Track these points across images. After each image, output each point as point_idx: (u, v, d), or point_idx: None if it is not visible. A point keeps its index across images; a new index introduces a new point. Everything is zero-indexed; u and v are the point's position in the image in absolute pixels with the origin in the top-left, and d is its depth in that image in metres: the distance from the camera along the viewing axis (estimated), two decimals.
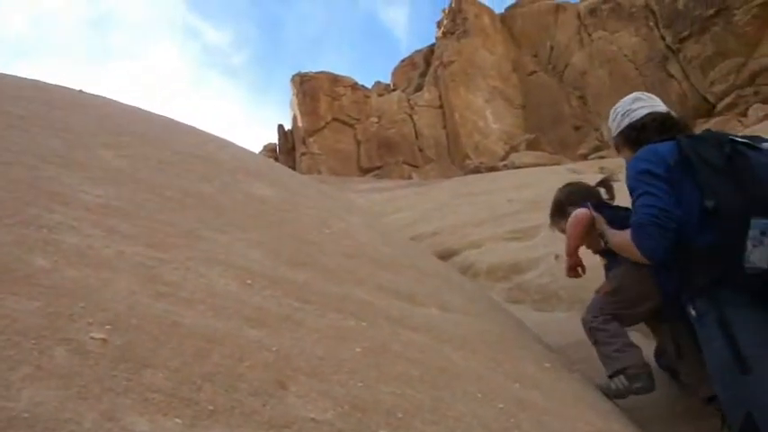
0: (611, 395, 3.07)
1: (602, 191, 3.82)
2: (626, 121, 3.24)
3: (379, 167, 41.34)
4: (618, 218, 3.29)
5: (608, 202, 3.76)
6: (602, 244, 3.31)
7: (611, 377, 3.10)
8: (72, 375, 1.22)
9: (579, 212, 3.52)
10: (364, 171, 41.20)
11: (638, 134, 3.15)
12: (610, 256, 3.49)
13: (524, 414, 2.10)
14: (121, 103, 4.95)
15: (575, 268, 3.61)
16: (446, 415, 1.76)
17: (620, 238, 3.02)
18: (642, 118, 3.17)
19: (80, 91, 4.84)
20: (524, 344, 3.12)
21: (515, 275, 5.85)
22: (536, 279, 4.88)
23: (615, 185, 3.60)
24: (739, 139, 2.71)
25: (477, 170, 25.51)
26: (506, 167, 24.17)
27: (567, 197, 3.89)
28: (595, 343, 3.22)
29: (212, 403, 1.30)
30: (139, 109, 5.03)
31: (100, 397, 1.18)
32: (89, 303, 1.48)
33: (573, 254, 3.58)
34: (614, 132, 3.35)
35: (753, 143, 2.69)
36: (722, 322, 2.57)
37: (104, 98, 4.81)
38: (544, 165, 21.81)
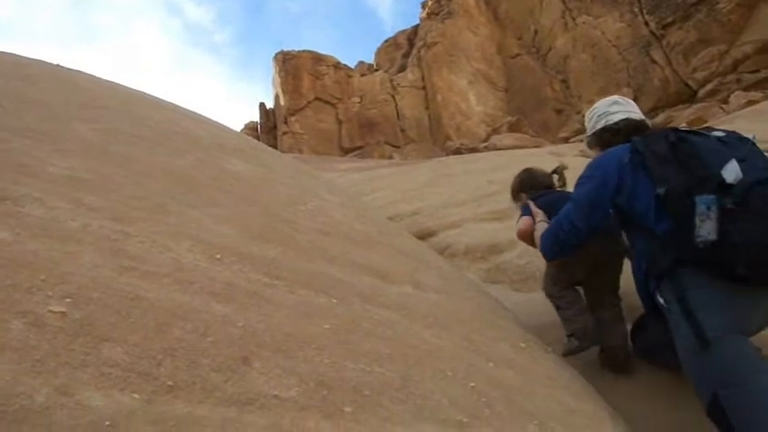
0: (564, 353, 3.40)
1: (555, 177, 4.28)
2: (601, 123, 3.45)
3: (360, 147, 41.37)
4: (552, 201, 3.79)
5: (560, 189, 4.19)
6: None
7: (568, 337, 3.46)
8: (27, 349, 1.18)
9: (521, 225, 3.89)
10: (346, 151, 41.24)
11: (611, 137, 3.36)
12: None
13: (496, 393, 2.08)
14: (98, 78, 4.88)
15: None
16: (414, 393, 1.74)
17: (537, 234, 3.54)
18: (617, 123, 3.38)
19: (57, 65, 4.77)
20: (500, 323, 3.11)
21: (493, 256, 5.84)
22: (514, 260, 4.88)
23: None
24: (684, 129, 2.93)
25: (458, 151, 25.56)
26: (487, 149, 24.22)
27: (519, 184, 4.35)
28: (557, 308, 3.60)
29: (172, 378, 1.27)
30: (117, 84, 4.96)
31: (55, 371, 1.15)
32: (50, 276, 1.44)
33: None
34: (589, 132, 3.57)
35: (701, 132, 2.91)
36: (684, 305, 2.66)
37: (82, 73, 4.74)
38: (525, 147, 21.85)
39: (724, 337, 2.51)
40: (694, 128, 3.01)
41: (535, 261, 5.17)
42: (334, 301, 2.10)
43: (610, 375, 3.44)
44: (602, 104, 3.55)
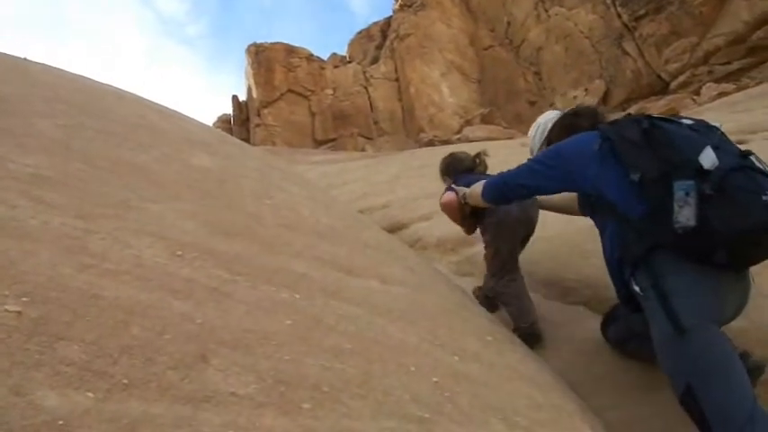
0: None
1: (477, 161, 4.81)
2: (555, 117, 3.63)
3: (333, 140, 41.25)
4: (473, 181, 3.94)
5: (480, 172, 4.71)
6: (467, 210, 3.99)
7: (513, 331, 3.68)
8: None
9: (445, 199, 4.19)
10: (319, 143, 41.10)
11: (572, 120, 3.47)
12: (481, 224, 4.22)
13: (460, 388, 2.09)
14: (63, 71, 4.82)
15: (471, 229, 4.37)
16: (375, 389, 1.75)
17: (473, 190, 3.72)
18: (572, 108, 3.57)
19: (24, 59, 4.71)
20: (467, 317, 3.12)
21: (464, 248, 5.86)
22: (482, 250, 4.88)
23: None
24: (656, 116, 2.93)
25: (431, 143, 25.58)
26: (460, 141, 24.25)
27: (445, 167, 4.87)
28: (503, 304, 3.86)
29: (127, 377, 1.27)
30: (82, 77, 4.91)
31: (9, 371, 1.14)
32: (6, 275, 1.43)
33: (463, 224, 4.28)
34: (544, 134, 3.68)
35: (672, 119, 2.92)
36: (660, 292, 2.69)
37: (46, 66, 4.68)
38: (497, 139, 21.91)
39: (700, 326, 2.54)
40: (665, 115, 3.03)
41: None
42: (297, 296, 2.10)
43: (580, 368, 3.47)
44: (541, 117, 3.77)
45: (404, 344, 2.21)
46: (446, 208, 4.19)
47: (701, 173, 2.56)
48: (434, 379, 2.03)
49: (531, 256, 4.73)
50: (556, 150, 3.22)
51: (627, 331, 3.25)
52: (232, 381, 1.42)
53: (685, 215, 2.53)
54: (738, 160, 2.62)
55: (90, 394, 1.18)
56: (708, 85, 24.96)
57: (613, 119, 3.12)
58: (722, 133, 2.84)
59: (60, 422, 1.09)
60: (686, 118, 2.97)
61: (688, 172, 2.58)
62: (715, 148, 2.64)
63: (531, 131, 3.78)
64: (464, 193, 3.90)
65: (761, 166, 2.63)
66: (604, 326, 3.43)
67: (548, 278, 4.58)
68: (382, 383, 1.80)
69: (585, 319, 3.34)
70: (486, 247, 4.30)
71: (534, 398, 2.47)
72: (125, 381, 1.26)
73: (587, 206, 3.31)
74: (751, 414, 2.38)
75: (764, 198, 2.45)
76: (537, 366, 3.07)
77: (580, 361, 3.56)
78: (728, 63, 27.67)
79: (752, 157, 2.67)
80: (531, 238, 4.33)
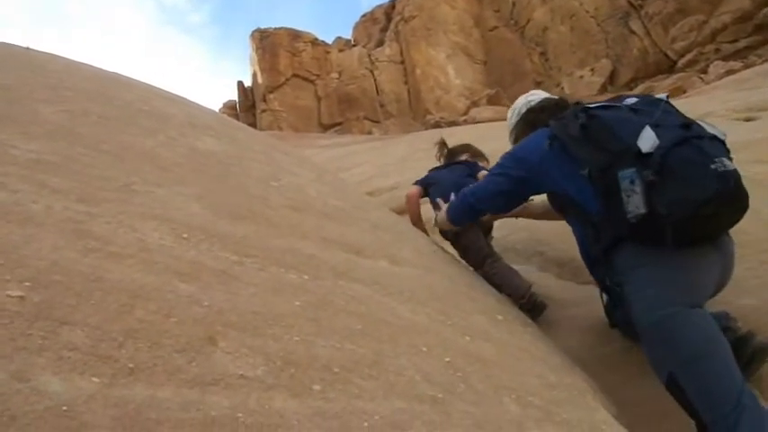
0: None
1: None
2: (524, 108, 3.68)
3: (340, 123, 41.28)
4: (438, 177, 4.61)
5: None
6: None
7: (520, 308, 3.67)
8: None
9: (408, 192, 4.82)
10: (325, 127, 41.13)
11: (535, 116, 3.51)
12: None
13: (472, 368, 2.06)
14: (68, 59, 4.78)
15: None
16: (387, 369, 1.72)
17: (440, 216, 3.92)
18: (540, 101, 3.61)
19: (27, 48, 4.67)
20: (477, 297, 3.09)
21: None
22: (493, 232, 4.86)
23: None
24: (594, 105, 2.92)
25: (437, 125, 25.54)
26: (466, 122, 24.20)
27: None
28: (495, 287, 3.74)
29: (133, 361, 1.24)
30: (87, 65, 4.87)
31: (11, 357, 1.11)
32: (8, 260, 1.40)
33: (416, 224, 4.67)
34: (514, 121, 3.79)
35: (611, 104, 2.92)
36: (630, 287, 2.70)
37: (50, 54, 4.65)
38: (504, 119, 21.88)
39: (676, 314, 2.50)
40: (604, 102, 3.01)
41: (514, 234, 5.17)
42: (306, 277, 2.07)
43: (592, 347, 3.45)
44: (520, 98, 3.85)
45: (414, 324, 2.18)
46: (407, 202, 4.70)
47: (641, 157, 2.53)
48: (446, 359, 2.01)
49: (542, 236, 4.71)
50: (512, 155, 3.25)
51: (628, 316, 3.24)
52: (240, 363, 1.40)
53: (634, 203, 2.52)
54: (681, 132, 2.57)
55: (95, 379, 1.16)
56: (715, 63, 24.85)
57: (561, 115, 3.08)
58: (667, 103, 2.81)
59: (64, 408, 1.06)
60: (630, 96, 2.95)
61: (629, 159, 2.56)
62: (655, 127, 2.59)
63: (509, 114, 3.84)
64: (434, 219, 4.08)
65: (710, 131, 2.59)
66: (609, 309, 3.38)
67: (559, 258, 4.57)
68: (394, 364, 1.78)
69: (597, 299, 3.30)
70: (455, 249, 4.37)
71: (547, 377, 2.45)
72: (131, 365, 1.23)
73: (556, 206, 3.30)
74: (738, 399, 2.33)
75: (713, 167, 2.42)
76: (548, 345, 3.05)
77: (592, 340, 3.54)
78: (736, 41, 27.51)
79: (696, 126, 2.64)
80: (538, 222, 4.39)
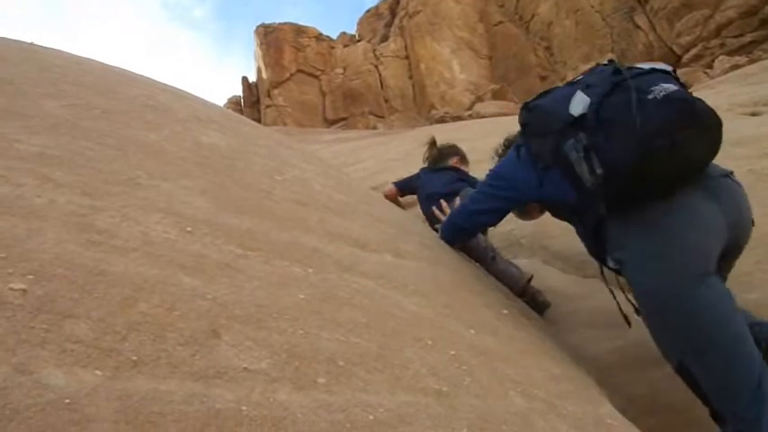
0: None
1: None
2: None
3: (344, 119, 41.23)
4: (426, 182, 4.98)
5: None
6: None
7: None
8: None
9: (385, 192, 5.38)
10: (330, 122, 41.10)
11: (515, 136, 3.44)
12: None
13: (477, 361, 2.06)
14: (73, 55, 4.77)
15: None
16: (392, 362, 1.71)
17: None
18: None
19: (31, 43, 4.67)
20: (482, 291, 3.09)
21: None
22: (499, 226, 4.83)
23: None
24: (533, 98, 2.93)
25: (442, 120, 25.48)
26: (471, 117, 24.16)
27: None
28: (500, 281, 3.75)
29: (136, 353, 1.23)
30: (91, 60, 4.87)
31: (14, 350, 1.11)
32: (11, 254, 1.39)
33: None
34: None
35: (551, 88, 2.94)
36: (626, 271, 2.59)
37: (56, 50, 4.65)
38: (509, 114, 21.81)
39: (681, 296, 2.35)
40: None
41: (520, 228, 5.16)
42: (311, 270, 2.06)
43: (597, 340, 3.44)
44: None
45: (420, 317, 2.18)
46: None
47: (577, 123, 2.47)
48: (451, 352, 2.00)
49: (547, 230, 4.70)
50: (494, 173, 3.22)
51: None
52: (245, 356, 1.39)
53: (586, 169, 2.43)
54: (611, 80, 2.48)
55: (98, 372, 1.15)
56: (720, 57, 24.72)
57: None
58: (610, 62, 2.71)
59: (67, 401, 1.06)
60: (582, 75, 2.82)
61: (569, 131, 2.49)
62: (587, 88, 2.53)
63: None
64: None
65: (647, 67, 2.51)
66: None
67: (564, 252, 4.56)
68: (399, 357, 1.77)
69: (602, 292, 3.29)
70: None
71: (552, 370, 2.44)
72: (134, 358, 1.22)
73: (554, 215, 3.25)
74: (756, 389, 2.23)
75: (650, 96, 2.30)
76: (553, 339, 3.04)
77: (597, 333, 3.53)
78: (741, 35, 27.40)
79: (632, 68, 2.53)
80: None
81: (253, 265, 1.90)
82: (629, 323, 2.92)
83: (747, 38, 27.19)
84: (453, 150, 5.52)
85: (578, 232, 2.99)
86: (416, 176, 5.31)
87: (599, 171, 2.39)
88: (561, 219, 3.20)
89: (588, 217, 2.65)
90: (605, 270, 2.85)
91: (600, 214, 2.54)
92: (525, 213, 3.71)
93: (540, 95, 2.88)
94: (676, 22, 30.70)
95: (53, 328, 1.21)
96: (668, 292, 2.39)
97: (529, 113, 2.79)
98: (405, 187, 5.52)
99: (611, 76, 2.52)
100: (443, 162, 5.38)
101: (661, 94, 2.32)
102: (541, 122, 2.68)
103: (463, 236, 3.63)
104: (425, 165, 5.61)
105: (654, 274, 2.44)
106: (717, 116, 2.36)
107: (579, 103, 2.49)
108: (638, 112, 2.27)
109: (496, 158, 3.62)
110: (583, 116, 2.45)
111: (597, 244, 2.72)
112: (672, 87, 2.36)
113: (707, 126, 2.35)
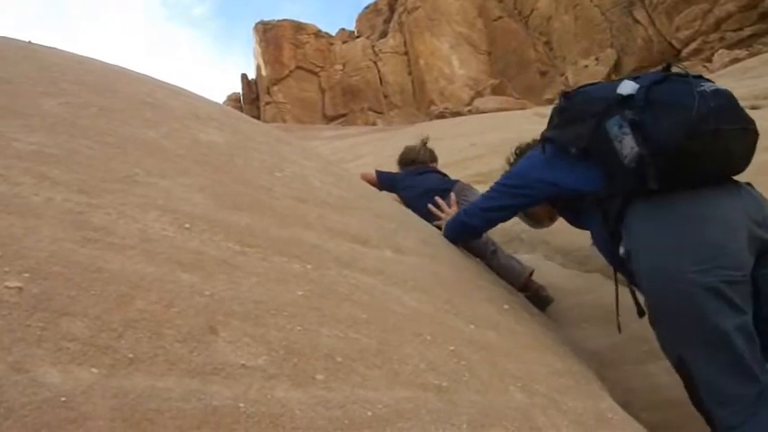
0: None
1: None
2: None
3: (344, 115, 41.25)
4: (412, 182, 4.94)
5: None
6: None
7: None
8: None
9: (363, 174, 5.23)
10: (329, 119, 41.10)
11: (526, 146, 3.55)
12: None
13: (477, 356, 2.05)
14: (72, 53, 4.76)
15: None
16: (391, 358, 1.71)
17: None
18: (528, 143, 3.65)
19: (29, 42, 4.66)
20: (483, 286, 3.08)
21: None
22: None
23: None
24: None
25: (442, 115, 25.48)
26: (471, 112, 24.15)
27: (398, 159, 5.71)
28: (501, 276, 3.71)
29: (133, 351, 1.23)
30: (90, 58, 4.85)
31: (9, 348, 1.10)
32: (7, 251, 1.39)
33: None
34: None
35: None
36: (640, 254, 2.54)
37: (55, 49, 4.63)
38: (509, 109, 21.81)
39: (684, 292, 2.32)
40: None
41: (519, 223, 5.15)
42: (309, 266, 2.05)
43: (599, 335, 3.43)
44: None
45: (419, 313, 2.17)
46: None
47: (624, 102, 2.50)
48: (451, 347, 2.00)
49: None
50: (514, 173, 3.22)
51: None
52: (242, 352, 1.39)
53: (628, 145, 2.44)
54: (662, 74, 2.57)
55: (94, 369, 1.15)
56: (720, 51, 24.73)
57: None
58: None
59: (63, 399, 1.05)
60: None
61: (613, 108, 2.52)
62: (634, 79, 2.59)
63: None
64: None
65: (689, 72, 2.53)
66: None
67: (564, 246, 4.55)
68: (398, 353, 1.76)
69: (603, 287, 3.28)
70: None
71: (553, 365, 2.44)
72: (130, 355, 1.22)
73: (570, 216, 3.22)
74: (757, 398, 2.20)
75: (699, 89, 2.35)
76: (554, 334, 3.04)
77: (599, 329, 3.52)
78: (740, 29, 27.40)
79: (674, 69, 2.61)
80: None
81: (251, 262, 1.89)
82: (619, 329, 2.93)
83: (746, 31, 27.20)
84: (434, 156, 5.70)
85: (591, 228, 2.95)
86: (401, 178, 5.21)
87: (637, 150, 2.41)
88: (571, 219, 3.18)
89: (611, 205, 2.63)
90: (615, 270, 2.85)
91: (626, 200, 2.55)
92: (537, 222, 3.68)
93: (581, 87, 2.93)
94: (675, 17, 30.70)
95: (49, 326, 1.20)
96: (671, 286, 2.37)
97: (568, 100, 2.81)
98: (386, 181, 5.30)
99: (657, 74, 2.59)
100: (426, 165, 5.42)
101: (711, 88, 2.39)
102: (583, 107, 2.71)
103: (471, 234, 3.59)
104: (408, 165, 5.53)
105: (660, 269, 2.43)
106: (755, 125, 2.46)
107: (627, 87, 2.54)
108: (690, 100, 2.31)
109: (508, 167, 3.57)
110: (630, 97, 2.49)
111: (613, 236, 2.68)
112: (718, 86, 2.43)
113: (748, 128, 2.44)
